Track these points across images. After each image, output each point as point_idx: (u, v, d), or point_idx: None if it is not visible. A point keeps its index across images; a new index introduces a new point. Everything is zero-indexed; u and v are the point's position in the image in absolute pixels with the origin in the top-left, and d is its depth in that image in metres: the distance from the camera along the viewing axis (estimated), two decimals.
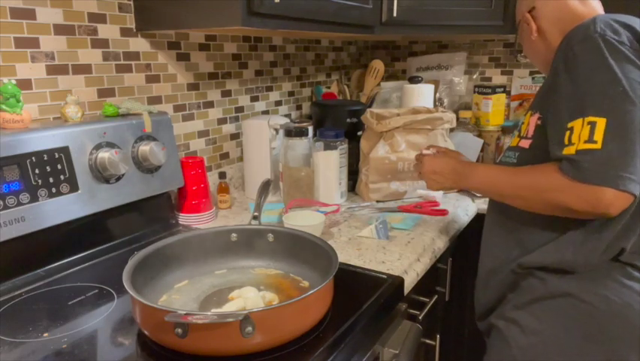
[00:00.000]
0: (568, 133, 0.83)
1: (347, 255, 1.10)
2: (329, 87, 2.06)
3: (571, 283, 0.92)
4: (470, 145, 1.77)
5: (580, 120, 0.82)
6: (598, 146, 0.79)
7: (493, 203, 1.10)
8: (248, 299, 0.85)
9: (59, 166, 1.00)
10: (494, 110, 1.96)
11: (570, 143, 0.82)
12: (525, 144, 0.97)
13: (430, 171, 1.16)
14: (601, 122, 0.80)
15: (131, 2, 1.23)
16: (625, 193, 0.79)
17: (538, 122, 0.94)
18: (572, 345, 0.91)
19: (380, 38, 2.29)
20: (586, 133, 0.81)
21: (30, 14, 1.04)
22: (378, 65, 2.04)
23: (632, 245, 0.89)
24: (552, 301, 0.94)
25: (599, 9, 1.00)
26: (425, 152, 1.22)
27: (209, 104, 1.51)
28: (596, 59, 0.84)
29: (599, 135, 0.79)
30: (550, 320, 0.93)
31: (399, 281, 0.99)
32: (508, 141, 1.12)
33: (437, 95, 2.03)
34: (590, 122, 0.81)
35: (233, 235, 1.01)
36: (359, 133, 1.55)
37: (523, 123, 1.01)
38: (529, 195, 0.91)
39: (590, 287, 0.90)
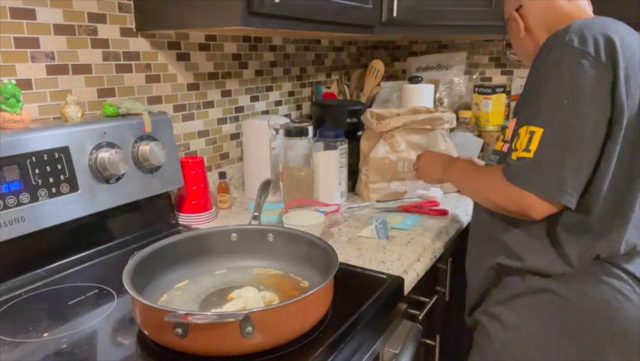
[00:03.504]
0: (516, 138, 0.89)
1: (347, 255, 1.10)
2: (329, 87, 2.06)
3: (550, 280, 0.93)
4: (470, 145, 1.77)
5: (525, 128, 0.87)
6: (530, 155, 0.85)
7: (476, 205, 1.11)
8: (248, 299, 0.85)
9: (59, 166, 1.00)
10: (494, 110, 1.96)
11: (515, 149, 0.88)
12: (505, 147, 0.99)
13: (424, 165, 1.24)
14: (538, 133, 0.84)
15: (131, 2, 1.23)
16: (546, 201, 0.84)
17: (515, 127, 0.95)
18: (550, 340, 0.92)
19: (380, 38, 2.29)
20: (524, 142, 0.86)
21: (30, 14, 1.04)
22: (378, 65, 2.03)
23: (606, 249, 0.90)
24: (531, 296, 0.95)
25: (587, 8, 1.00)
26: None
27: (209, 104, 1.51)
28: (552, 69, 0.85)
29: (534, 145, 0.85)
30: (529, 316, 0.95)
31: (399, 281, 0.99)
32: None
33: (437, 95, 2.03)
34: (530, 132, 0.86)
35: (233, 235, 1.01)
36: (359, 133, 1.55)
37: (507, 127, 1.02)
38: (478, 191, 1.01)
39: (569, 283, 0.91)
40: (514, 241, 0.97)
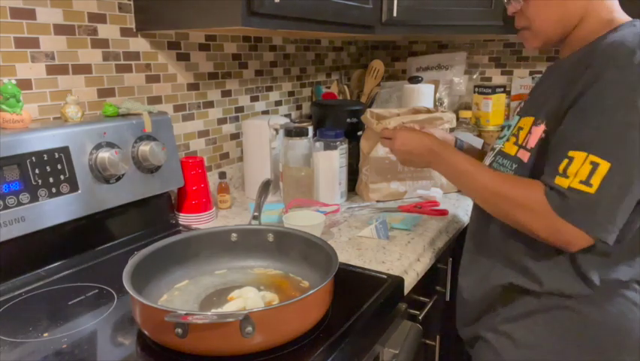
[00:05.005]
0: (566, 161, 0.79)
1: (347, 255, 1.10)
2: (329, 87, 2.06)
3: (568, 299, 0.89)
4: None
5: (584, 154, 0.77)
6: (592, 190, 0.77)
7: (480, 214, 1.01)
8: (248, 299, 0.85)
9: (59, 166, 1.00)
10: (494, 110, 1.96)
11: (565, 174, 0.79)
12: (524, 156, 0.90)
13: (403, 150, 1.08)
14: (604, 167, 0.76)
15: (131, 2, 1.23)
16: (591, 237, 0.79)
17: (543, 135, 0.87)
18: (568, 358, 0.89)
19: (380, 38, 2.29)
20: (585, 172, 0.77)
21: (30, 14, 1.04)
22: (378, 65, 2.04)
23: (628, 273, 0.88)
24: (546, 314, 0.91)
25: None
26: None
27: (209, 104, 1.51)
28: (625, 94, 0.77)
29: (597, 179, 0.76)
30: (544, 333, 0.91)
31: (399, 281, 0.99)
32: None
33: (437, 95, 2.03)
34: (592, 162, 0.77)
35: (233, 235, 1.01)
36: (359, 133, 1.55)
37: (521, 128, 0.93)
38: (501, 203, 0.87)
39: (587, 300, 0.88)
40: (531, 263, 0.91)
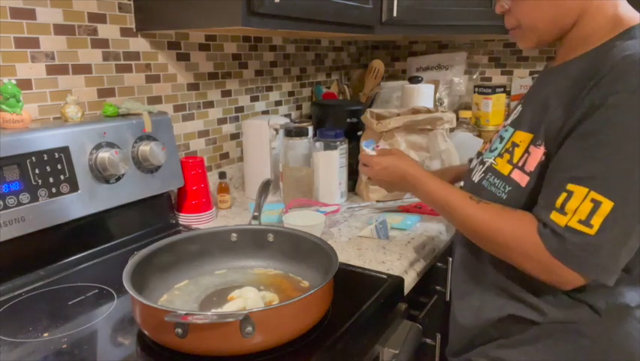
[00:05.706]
0: (564, 195, 0.71)
1: (347, 255, 1.10)
2: (329, 87, 2.06)
3: (572, 324, 0.82)
4: (470, 145, 1.77)
5: (584, 190, 0.69)
6: (592, 232, 0.69)
7: (467, 239, 0.91)
8: (248, 299, 0.85)
9: (59, 166, 1.00)
10: (494, 110, 1.96)
11: (562, 210, 0.71)
12: (522, 179, 0.80)
13: (378, 180, 1.06)
14: (606, 206, 0.68)
15: (131, 2, 1.23)
16: (588, 278, 0.73)
17: (543, 158, 0.77)
18: None
19: (380, 38, 2.29)
20: (585, 211, 0.69)
21: (30, 14, 1.04)
22: (378, 65, 2.04)
23: (635, 299, 0.81)
24: (547, 339, 0.83)
25: None
26: (370, 153, 1.12)
27: (209, 104, 1.51)
28: (636, 124, 0.67)
29: (597, 220, 0.69)
30: (546, 358, 0.83)
31: (399, 281, 0.99)
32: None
33: (437, 95, 2.03)
34: (594, 200, 0.69)
35: (233, 235, 1.01)
36: (359, 133, 1.55)
37: (516, 144, 0.83)
38: (488, 238, 0.81)
39: (592, 324, 0.80)
40: (530, 295, 0.82)
